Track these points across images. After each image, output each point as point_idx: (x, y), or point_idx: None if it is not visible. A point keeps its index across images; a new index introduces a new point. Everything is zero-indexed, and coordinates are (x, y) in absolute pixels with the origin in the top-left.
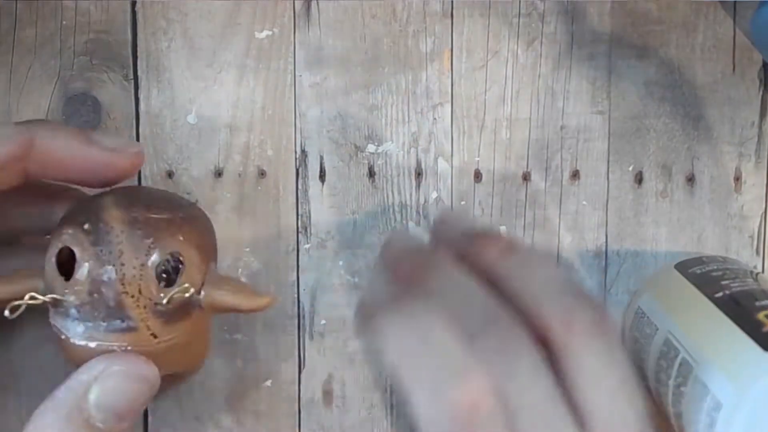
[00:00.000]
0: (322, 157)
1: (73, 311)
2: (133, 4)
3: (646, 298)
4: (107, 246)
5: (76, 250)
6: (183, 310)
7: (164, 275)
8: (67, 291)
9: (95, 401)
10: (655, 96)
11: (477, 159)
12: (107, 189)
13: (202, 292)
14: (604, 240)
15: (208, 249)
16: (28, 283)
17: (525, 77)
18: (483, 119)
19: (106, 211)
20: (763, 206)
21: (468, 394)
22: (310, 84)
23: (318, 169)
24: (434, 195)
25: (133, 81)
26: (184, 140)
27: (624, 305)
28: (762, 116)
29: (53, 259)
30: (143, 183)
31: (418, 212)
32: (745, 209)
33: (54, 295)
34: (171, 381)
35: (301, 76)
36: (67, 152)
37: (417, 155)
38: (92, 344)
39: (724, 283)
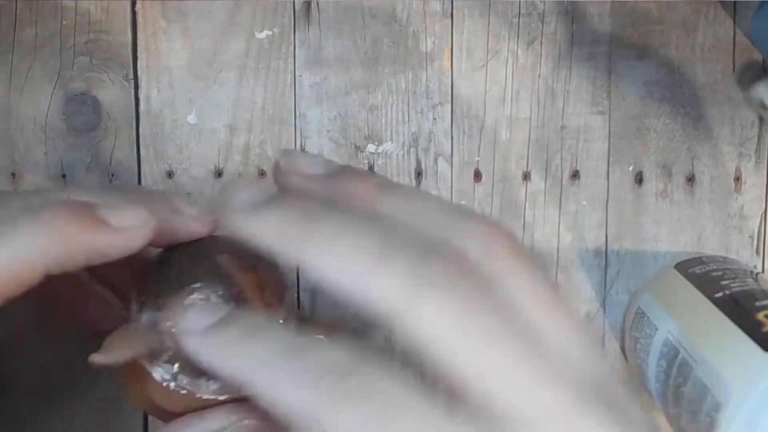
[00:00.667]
0: None
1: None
2: (133, 4)
3: (646, 298)
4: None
5: None
6: None
7: None
8: None
9: None
10: (655, 96)
11: (477, 159)
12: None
13: None
14: (604, 240)
15: None
16: (145, 340)
17: (525, 77)
18: (483, 119)
19: (237, 276)
20: (763, 206)
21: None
22: (310, 84)
23: None
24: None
25: (133, 81)
26: (184, 140)
27: (624, 305)
28: (762, 116)
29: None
30: (143, 183)
31: None
32: (745, 209)
33: None
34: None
35: (301, 76)
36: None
37: (417, 155)
38: (222, 397)
39: (724, 283)
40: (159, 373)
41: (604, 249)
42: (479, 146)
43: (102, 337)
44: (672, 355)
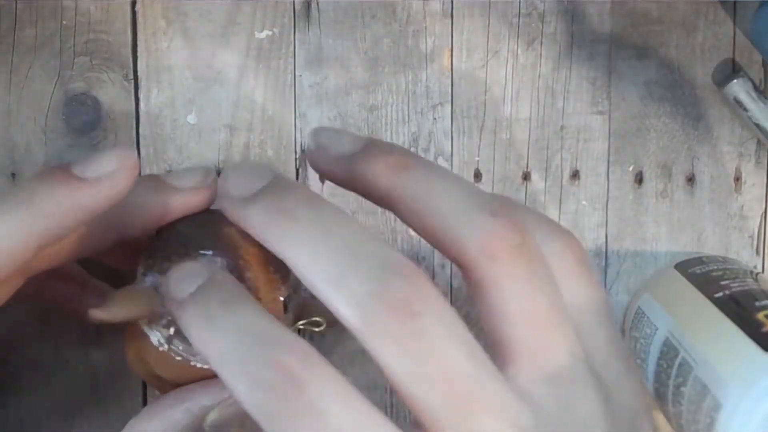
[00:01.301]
0: None
1: None
2: (133, 4)
3: (646, 298)
4: (246, 282)
5: None
6: None
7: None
8: None
9: (211, 424)
10: (655, 96)
11: (477, 159)
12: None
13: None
14: (604, 240)
15: None
16: (147, 302)
17: (525, 77)
18: (483, 119)
19: (244, 248)
20: (763, 206)
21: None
22: (310, 84)
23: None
24: None
25: (133, 81)
26: (184, 140)
27: (624, 305)
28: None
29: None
30: None
31: None
32: (745, 209)
33: None
34: None
35: (301, 76)
36: (147, 210)
37: None
38: None
39: (724, 283)
40: (155, 336)
41: (604, 249)
42: (479, 146)
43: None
44: (672, 355)
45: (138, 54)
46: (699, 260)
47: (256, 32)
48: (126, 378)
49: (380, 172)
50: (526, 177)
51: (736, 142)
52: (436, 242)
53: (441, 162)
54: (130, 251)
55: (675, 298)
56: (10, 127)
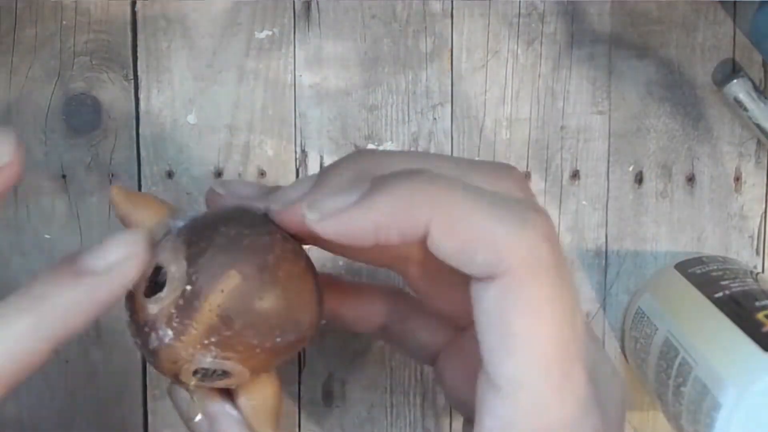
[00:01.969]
0: (322, 157)
1: None
2: (133, 4)
3: (646, 298)
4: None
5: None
6: None
7: None
8: None
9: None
10: (655, 96)
11: (477, 159)
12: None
13: None
14: (604, 240)
15: None
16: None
17: (525, 77)
18: (483, 119)
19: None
20: (763, 206)
21: None
22: (310, 84)
23: (318, 169)
24: None
25: (133, 81)
26: (184, 140)
27: (624, 305)
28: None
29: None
30: (143, 183)
31: None
32: (745, 209)
33: None
34: None
35: (301, 76)
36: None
37: None
38: None
39: (724, 283)
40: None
41: (604, 249)
42: (479, 146)
43: None
44: (672, 355)
45: (138, 54)
46: (699, 260)
47: (256, 32)
48: (126, 378)
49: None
50: (526, 177)
51: (736, 142)
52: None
53: None
54: None
55: (675, 298)
56: (10, 127)
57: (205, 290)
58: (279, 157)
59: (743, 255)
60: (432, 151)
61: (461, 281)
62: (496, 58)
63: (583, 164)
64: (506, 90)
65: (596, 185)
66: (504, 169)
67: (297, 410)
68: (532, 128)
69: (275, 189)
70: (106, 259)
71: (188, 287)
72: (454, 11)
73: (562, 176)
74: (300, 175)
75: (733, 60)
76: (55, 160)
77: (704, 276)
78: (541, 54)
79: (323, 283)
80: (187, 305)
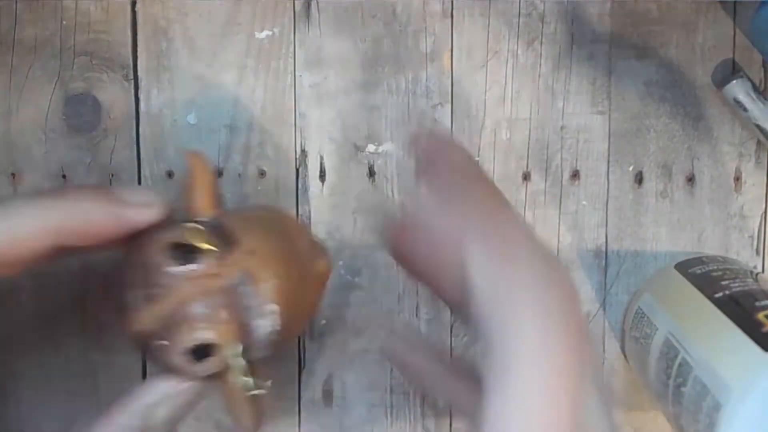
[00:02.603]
0: (322, 157)
1: None
2: (133, 4)
3: (646, 298)
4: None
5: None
6: None
7: None
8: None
9: (162, 420)
10: (655, 96)
11: (477, 159)
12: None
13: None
14: (604, 240)
15: None
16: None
17: (525, 77)
18: (483, 119)
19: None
20: (763, 206)
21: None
22: (310, 84)
23: (318, 169)
24: None
25: (133, 81)
26: (184, 140)
27: (624, 305)
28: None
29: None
30: (143, 183)
31: None
32: (745, 209)
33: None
34: None
35: (301, 76)
36: (97, 225)
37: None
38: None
39: (724, 283)
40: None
41: (604, 249)
42: (479, 146)
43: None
44: (672, 355)
45: (138, 54)
46: (699, 260)
47: (256, 32)
48: (126, 378)
49: None
50: (526, 177)
51: (736, 142)
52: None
53: None
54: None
55: (675, 298)
56: (10, 127)
57: None
58: (279, 157)
59: (743, 255)
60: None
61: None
62: (496, 58)
63: (583, 164)
64: (506, 90)
65: (596, 185)
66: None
67: (297, 410)
68: (532, 128)
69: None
70: (139, 198)
71: None
72: (454, 11)
73: (562, 176)
74: (300, 175)
75: (733, 60)
76: (55, 160)
77: (704, 276)
78: (541, 54)
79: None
80: None
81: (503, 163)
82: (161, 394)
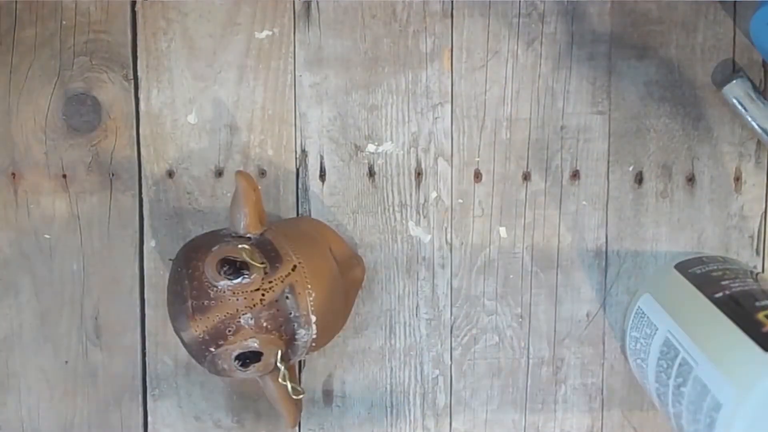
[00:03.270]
0: (322, 157)
1: None
2: (133, 4)
3: (646, 298)
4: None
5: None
6: None
7: None
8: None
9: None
10: (655, 96)
11: (477, 159)
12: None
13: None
14: (604, 240)
15: None
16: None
17: (525, 77)
18: (483, 119)
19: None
20: (763, 206)
21: None
22: (310, 84)
23: (318, 169)
24: (434, 195)
25: (133, 81)
26: (184, 140)
27: (624, 305)
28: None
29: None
30: (143, 183)
31: (418, 212)
32: (745, 209)
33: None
34: None
35: (301, 76)
36: None
37: (417, 155)
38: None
39: (724, 283)
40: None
41: (604, 249)
42: (479, 146)
43: None
44: (672, 355)
45: (138, 54)
46: (699, 260)
47: (256, 32)
48: (126, 378)
49: None
50: (526, 177)
51: (736, 142)
52: None
53: (441, 162)
54: None
55: (675, 298)
56: (10, 127)
57: None
58: (279, 157)
59: (743, 255)
60: (432, 151)
61: None
62: (496, 58)
63: (583, 164)
64: (506, 90)
65: (596, 185)
66: None
67: None
68: (532, 128)
69: None
70: None
71: None
72: (454, 11)
73: (562, 176)
74: (300, 175)
75: (733, 60)
76: (55, 160)
77: (704, 276)
78: (541, 54)
79: None
80: None
81: (503, 163)
82: None
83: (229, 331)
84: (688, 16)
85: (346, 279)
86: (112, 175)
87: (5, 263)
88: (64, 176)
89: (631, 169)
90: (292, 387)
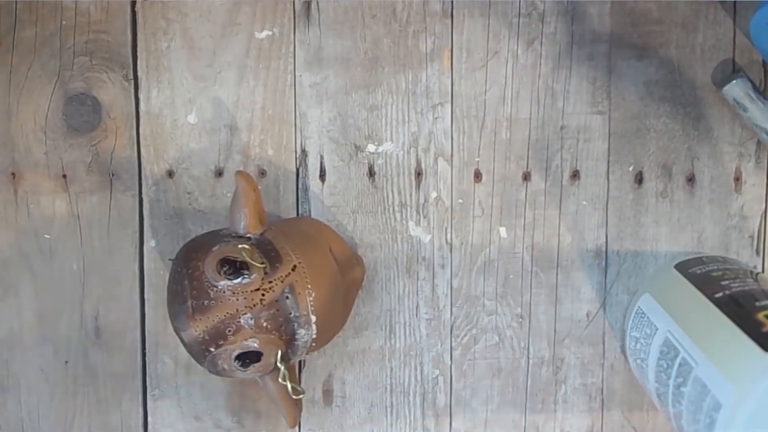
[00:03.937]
0: (322, 157)
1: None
2: (133, 4)
3: (646, 298)
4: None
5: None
6: None
7: None
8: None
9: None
10: (655, 96)
11: (477, 159)
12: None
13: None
14: (604, 240)
15: None
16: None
17: (525, 77)
18: (483, 119)
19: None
20: (763, 206)
21: None
22: (310, 84)
23: (318, 169)
24: (434, 195)
25: (133, 81)
26: (184, 140)
27: (624, 305)
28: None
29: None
30: (143, 183)
31: (418, 212)
32: (745, 209)
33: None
34: None
35: (301, 76)
36: None
37: (417, 155)
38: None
39: (724, 283)
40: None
41: (604, 249)
42: (479, 146)
43: None
44: (672, 355)
45: (138, 54)
46: (699, 260)
47: (256, 32)
48: (126, 378)
49: None
50: (526, 177)
51: (736, 142)
52: None
53: (441, 162)
54: None
55: (675, 298)
56: (10, 127)
57: None
58: (279, 157)
59: (743, 255)
60: (432, 150)
61: None
62: (496, 58)
63: (583, 164)
64: (506, 90)
65: (596, 185)
66: None
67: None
68: (532, 128)
69: None
70: None
71: None
72: (454, 11)
73: (562, 176)
74: (300, 175)
75: (733, 60)
76: (55, 160)
77: (704, 276)
78: (541, 54)
79: None
80: None
81: (503, 163)
82: None
83: (229, 331)
84: (688, 16)
85: (346, 279)
86: (112, 175)
87: (5, 263)
88: (64, 176)
89: (631, 169)
90: (292, 387)
